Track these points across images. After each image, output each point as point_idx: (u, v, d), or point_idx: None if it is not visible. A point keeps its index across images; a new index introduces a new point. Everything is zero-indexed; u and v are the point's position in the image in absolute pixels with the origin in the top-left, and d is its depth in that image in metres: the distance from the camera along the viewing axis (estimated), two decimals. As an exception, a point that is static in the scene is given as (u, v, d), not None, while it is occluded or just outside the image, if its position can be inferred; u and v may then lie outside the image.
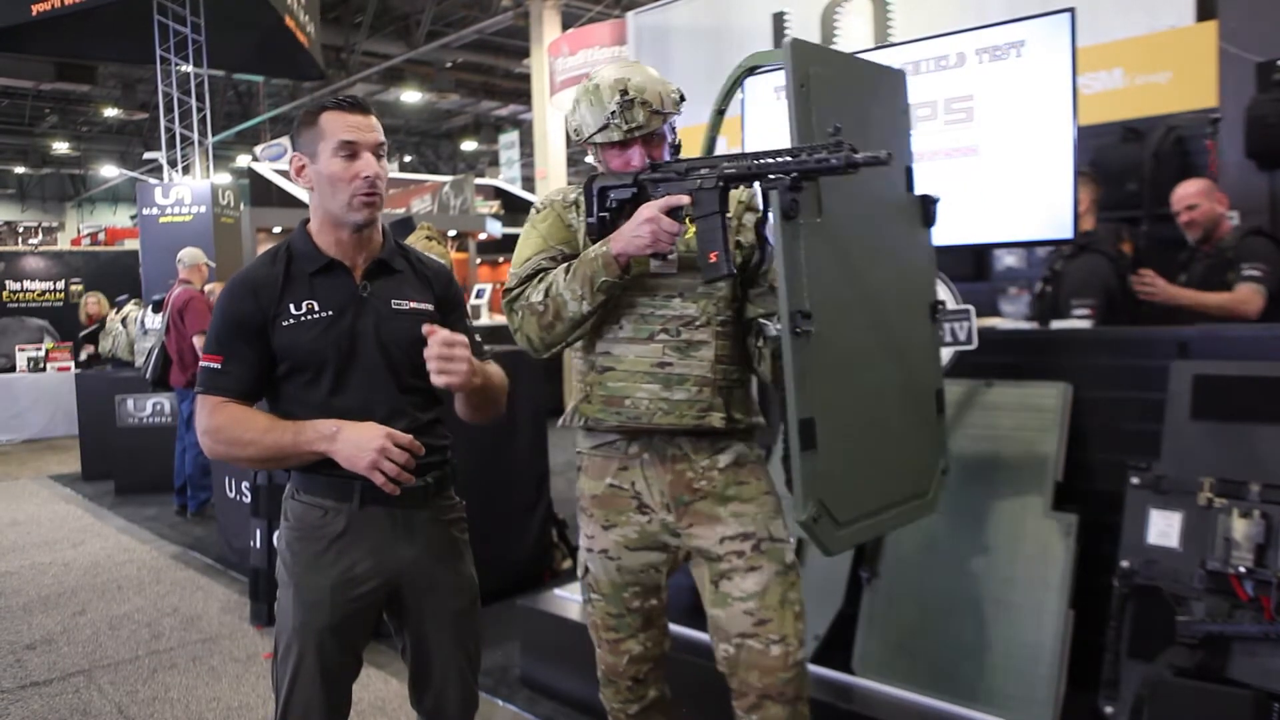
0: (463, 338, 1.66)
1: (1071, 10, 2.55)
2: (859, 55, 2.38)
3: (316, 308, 1.71)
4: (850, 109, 1.79)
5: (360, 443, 1.62)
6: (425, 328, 1.65)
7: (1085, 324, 3.28)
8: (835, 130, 1.56)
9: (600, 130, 1.81)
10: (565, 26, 13.16)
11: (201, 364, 1.72)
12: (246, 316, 1.70)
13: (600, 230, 1.81)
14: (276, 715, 1.74)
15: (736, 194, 1.84)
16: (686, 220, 1.71)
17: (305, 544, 1.74)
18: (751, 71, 2.15)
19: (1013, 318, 3.80)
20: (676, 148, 1.87)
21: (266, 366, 1.72)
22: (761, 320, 1.81)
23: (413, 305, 1.79)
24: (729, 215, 1.72)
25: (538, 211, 1.94)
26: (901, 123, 2.05)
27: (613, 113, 1.78)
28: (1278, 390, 2.07)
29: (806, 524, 1.63)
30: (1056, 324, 3.26)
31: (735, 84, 2.17)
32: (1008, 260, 4.68)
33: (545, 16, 13.60)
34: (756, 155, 1.65)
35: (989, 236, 2.76)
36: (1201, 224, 3.44)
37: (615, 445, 1.87)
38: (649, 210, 1.68)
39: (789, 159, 1.59)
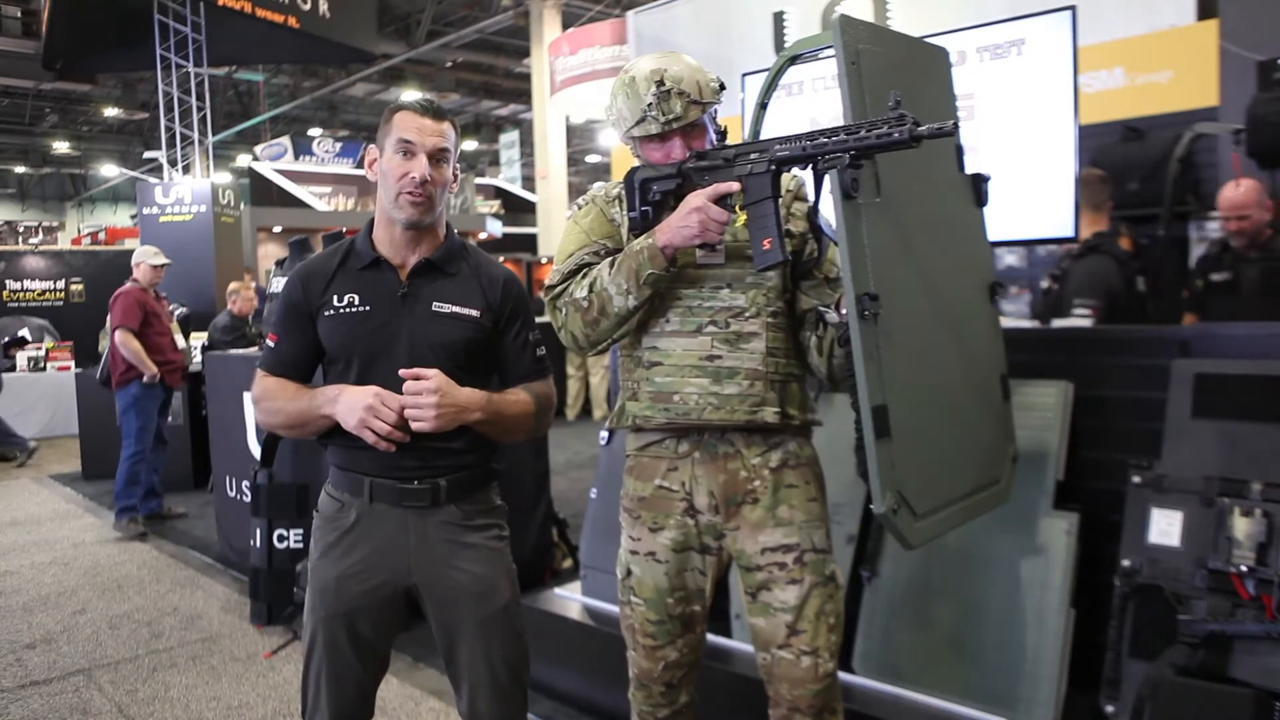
0: (433, 386, 1.67)
1: (1072, 8, 2.55)
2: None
3: (357, 301, 1.77)
4: (901, 86, 1.71)
5: (353, 403, 1.69)
6: (402, 371, 1.70)
7: (1086, 323, 3.28)
8: (896, 104, 1.48)
9: (638, 123, 1.75)
10: (565, 26, 13.17)
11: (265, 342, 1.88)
12: (296, 303, 1.81)
13: (643, 223, 1.76)
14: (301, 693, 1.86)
15: (785, 182, 1.76)
16: (736, 208, 1.66)
17: (322, 533, 1.82)
18: (794, 60, 2.03)
19: (1013, 317, 3.81)
20: (723, 135, 1.80)
21: (314, 350, 1.82)
22: (820, 308, 1.75)
23: (454, 309, 1.78)
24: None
25: (579, 207, 1.91)
26: (948, 100, 1.95)
27: (649, 105, 1.72)
28: (1279, 389, 2.06)
29: (886, 517, 1.57)
30: (1057, 322, 3.26)
31: (778, 74, 2.04)
32: (1008, 259, 4.70)
33: (545, 16, 13.61)
34: (810, 135, 1.59)
35: (989, 235, 2.75)
36: (1250, 233, 3.52)
37: (664, 444, 1.82)
38: (696, 199, 1.64)
39: (848, 136, 1.52)
